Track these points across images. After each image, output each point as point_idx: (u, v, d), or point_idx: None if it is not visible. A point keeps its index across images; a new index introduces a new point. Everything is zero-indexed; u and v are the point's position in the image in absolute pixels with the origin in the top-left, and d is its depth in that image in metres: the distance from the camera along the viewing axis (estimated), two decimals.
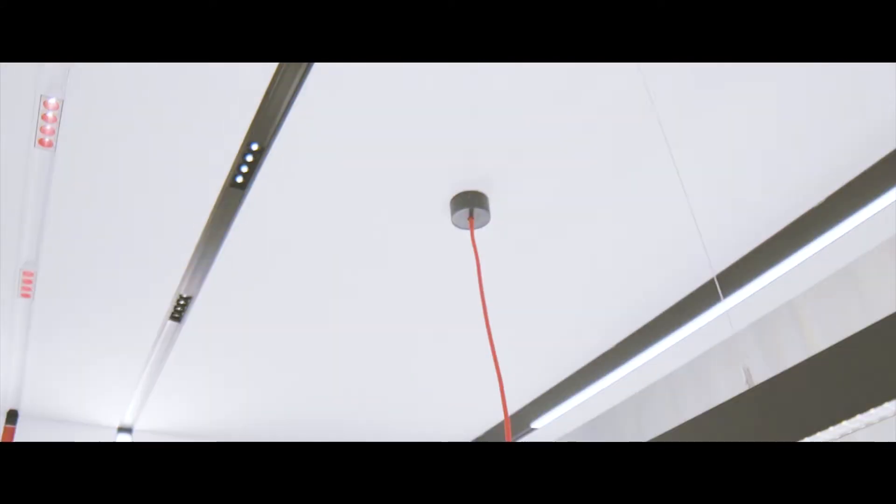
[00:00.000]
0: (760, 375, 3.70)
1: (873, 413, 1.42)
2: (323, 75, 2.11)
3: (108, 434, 4.15)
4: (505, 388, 4.03)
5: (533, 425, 4.18)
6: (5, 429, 3.93)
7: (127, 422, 4.12)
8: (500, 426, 4.44)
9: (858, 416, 1.43)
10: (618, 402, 4.25)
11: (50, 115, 2.20)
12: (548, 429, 4.50)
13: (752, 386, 1.58)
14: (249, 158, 2.37)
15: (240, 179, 2.45)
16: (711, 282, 3.17)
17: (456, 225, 2.62)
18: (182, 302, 3.04)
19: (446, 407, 4.23)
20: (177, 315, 3.12)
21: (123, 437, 4.17)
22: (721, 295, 3.04)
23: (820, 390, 1.46)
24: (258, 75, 2.10)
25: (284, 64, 2.07)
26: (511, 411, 4.29)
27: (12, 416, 3.96)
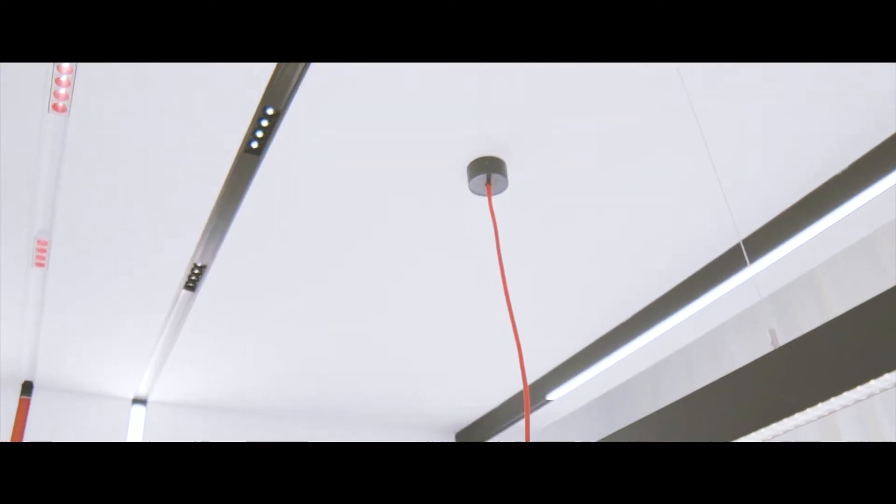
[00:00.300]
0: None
1: None
2: None
3: (122, 405, 4.16)
4: (525, 355, 4.02)
5: (548, 397, 4.17)
6: (21, 400, 3.95)
7: (142, 393, 4.13)
8: (516, 397, 4.43)
9: (886, 376, 1.41)
10: (633, 374, 4.23)
11: (64, 79, 2.18)
12: (564, 401, 4.49)
13: (777, 347, 1.56)
14: (265, 123, 2.34)
15: (255, 145, 2.42)
16: (733, 249, 3.13)
17: (473, 191, 2.60)
18: (196, 271, 3.03)
19: (462, 378, 4.22)
20: (191, 284, 3.11)
21: (138, 409, 4.18)
22: (748, 260, 3.00)
23: (847, 350, 1.44)
24: None
25: None
26: (531, 379, 4.27)
27: (27, 388, 3.97)
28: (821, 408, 1.46)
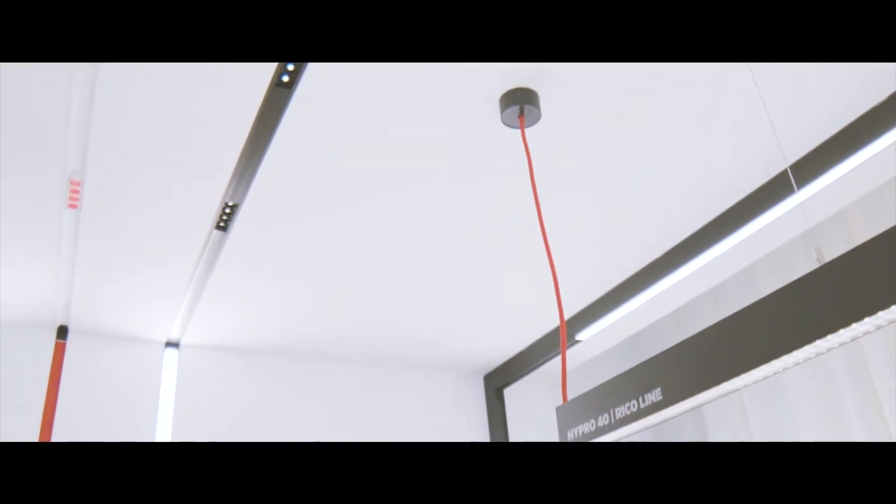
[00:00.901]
0: None
1: None
2: None
3: (156, 349, 4.21)
4: (552, 298, 4.01)
5: (578, 337, 4.18)
6: (57, 344, 4.01)
7: (174, 336, 4.17)
8: (545, 339, 4.44)
9: None
10: (662, 315, 4.23)
11: None
12: (592, 342, 4.50)
13: (822, 264, 1.54)
14: None
15: (286, 79, 2.41)
16: (780, 176, 3.06)
17: (506, 124, 2.57)
18: (228, 210, 3.03)
19: (490, 319, 4.23)
20: (222, 224, 3.12)
21: (171, 352, 4.23)
22: (795, 186, 2.94)
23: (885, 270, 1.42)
24: None
25: None
26: (556, 322, 4.28)
27: (62, 332, 4.03)
28: (868, 322, 1.44)
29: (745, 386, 1.72)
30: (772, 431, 4.33)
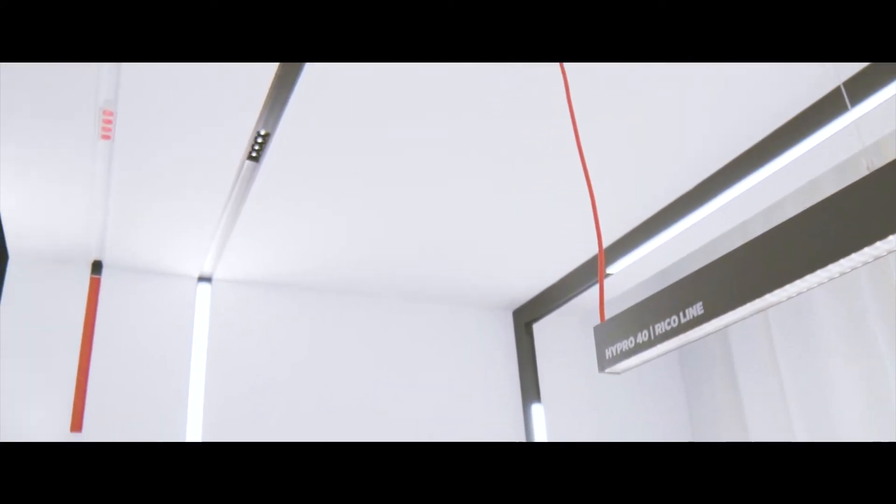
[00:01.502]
0: None
1: None
2: None
3: (189, 283, 4.25)
4: (581, 232, 3.99)
5: (608, 270, 4.17)
6: (91, 279, 4.05)
7: (207, 271, 4.21)
8: (574, 273, 4.43)
9: None
10: (691, 250, 4.20)
11: None
12: (620, 277, 4.48)
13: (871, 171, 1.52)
14: None
15: None
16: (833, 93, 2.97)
17: None
18: (260, 140, 3.02)
19: (519, 254, 4.23)
20: (255, 154, 3.12)
21: (204, 287, 4.27)
22: (849, 104, 2.84)
23: None
24: None
25: None
26: (588, 255, 4.26)
27: (97, 267, 4.07)
28: None
29: (789, 298, 1.71)
30: (796, 353, 4.35)
